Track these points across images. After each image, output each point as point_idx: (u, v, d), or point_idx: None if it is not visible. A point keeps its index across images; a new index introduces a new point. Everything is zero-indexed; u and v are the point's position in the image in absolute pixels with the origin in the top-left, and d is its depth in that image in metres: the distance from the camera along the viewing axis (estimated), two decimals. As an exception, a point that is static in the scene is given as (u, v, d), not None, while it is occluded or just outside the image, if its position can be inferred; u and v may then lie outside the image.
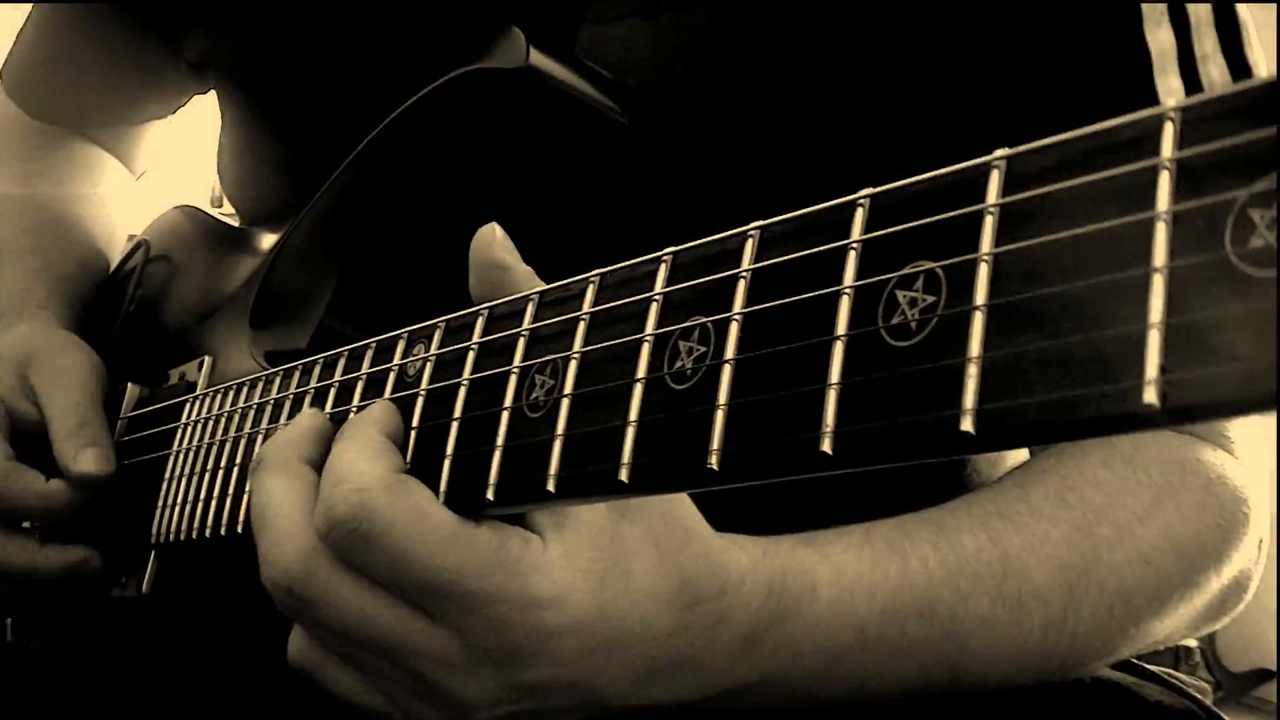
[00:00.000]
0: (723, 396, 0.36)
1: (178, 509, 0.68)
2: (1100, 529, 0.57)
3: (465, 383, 0.48)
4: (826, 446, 0.33)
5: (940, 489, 0.68)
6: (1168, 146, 0.28)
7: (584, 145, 0.61)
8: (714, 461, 0.36)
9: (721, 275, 0.38)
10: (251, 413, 0.64)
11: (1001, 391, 0.30)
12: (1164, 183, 0.28)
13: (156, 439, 0.75)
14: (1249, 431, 0.66)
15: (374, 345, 0.55)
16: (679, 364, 0.39)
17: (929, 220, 0.32)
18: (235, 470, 0.63)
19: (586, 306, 0.43)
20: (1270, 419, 0.68)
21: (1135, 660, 0.67)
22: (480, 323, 0.49)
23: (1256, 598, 0.68)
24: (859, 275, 0.34)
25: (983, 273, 0.31)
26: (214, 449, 0.66)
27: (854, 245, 0.34)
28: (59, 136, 1.01)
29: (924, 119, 0.62)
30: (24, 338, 0.81)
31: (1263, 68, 0.63)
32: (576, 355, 0.43)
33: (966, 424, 0.30)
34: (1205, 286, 0.27)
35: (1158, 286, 0.27)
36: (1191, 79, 0.61)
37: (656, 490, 0.40)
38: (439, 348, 0.51)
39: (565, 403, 0.42)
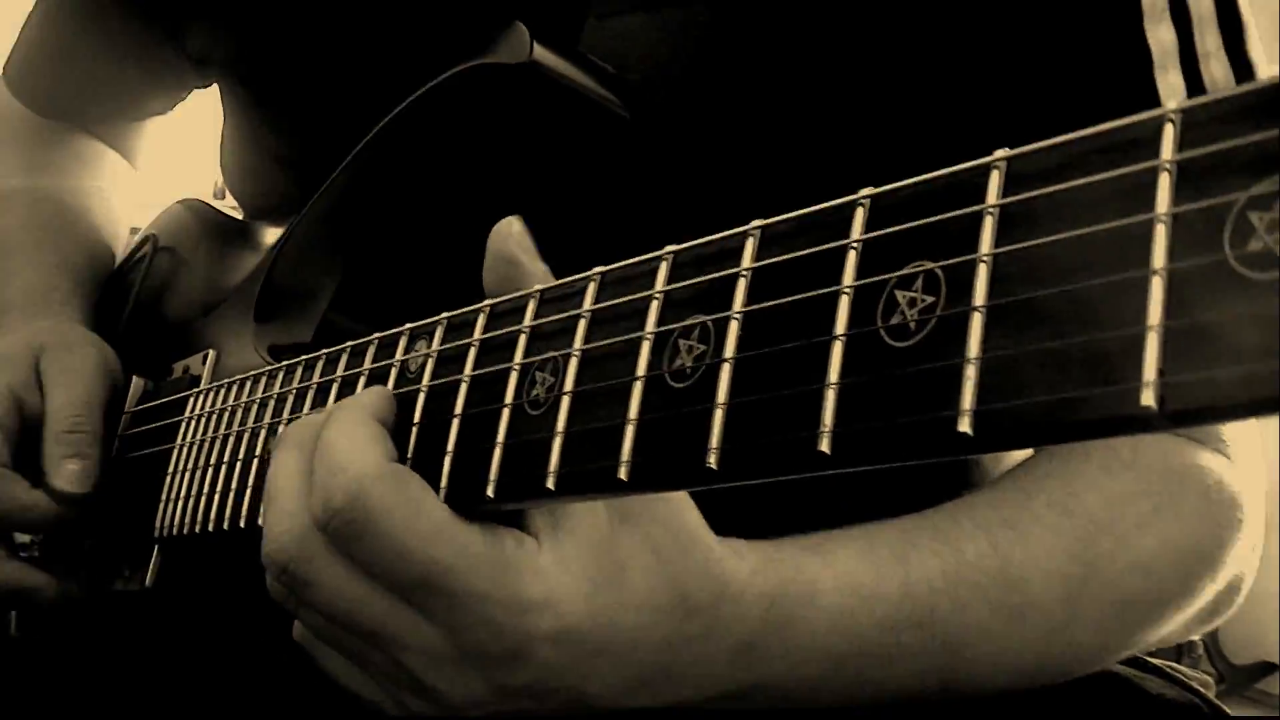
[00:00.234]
0: (722, 395, 0.36)
1: (181, 503, 0.68)
2: (1102, 539, 0.57)
3: (466, 379, 0.48)
4: (824, 446, 0.33)
5: (944, 486, 0.68)
6: (1168, 148, 0.28)
7: (587, 140, 0.61)
8: (712, 460, 0.36)
9: (722, 274, 0.38)
10: (255, 407, 0.64)
11: (1000, 393, 0.30)
12: (1164, 184, 0.27)
13: (160, 433, 0.75)
14: (1244, 434, 0.66)
15: (376, 341, 0.55)
16: (679, 362, 0.39)
17: (929, 220, 0.32)
18: (238, 465, 0.63)
19: (587, 304, 0.43)
20: (1266, 422, 0.68)
21: (1137, 653, 0.67)
22: (481, 319, 0.49)
23: (1259, 590, 0.68)
24: (859, 275, 0.34)
25: (982, 273, 0.30)
26: (217, 443, 0.67)
27: (854, 245, 0.34)
28: (61, 131, 1.01)
29: (925, 115, 0.62)
30: (43, 331, 0.81)
31: (1263, 66, 0.63)
32: (577, 353, 0.43)
33: (964, 425, 0.30)
34: (1204, 289, 0.26)
35: (1157, 288, 0.27)
36: (1193, 76, 0.61)
37: (655, 489, 0.40)
38: (440, 344, 0.51)
39: (565, 400, 0.42)
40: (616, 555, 0.46)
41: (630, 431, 0.39)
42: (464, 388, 0.48)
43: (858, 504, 0.56)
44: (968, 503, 0.58)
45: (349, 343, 0.57)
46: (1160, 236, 0.27)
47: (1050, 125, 0.31)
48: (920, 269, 0.32)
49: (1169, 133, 0.28)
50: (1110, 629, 0.58)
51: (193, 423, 0.71)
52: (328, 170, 0.69)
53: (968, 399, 0.30)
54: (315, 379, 0.59)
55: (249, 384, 0.66)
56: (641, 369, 0.40)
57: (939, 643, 0.54)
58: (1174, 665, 0.69)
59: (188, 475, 0.68)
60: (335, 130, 0.68)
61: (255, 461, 0.62)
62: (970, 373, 0.30)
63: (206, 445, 0.68)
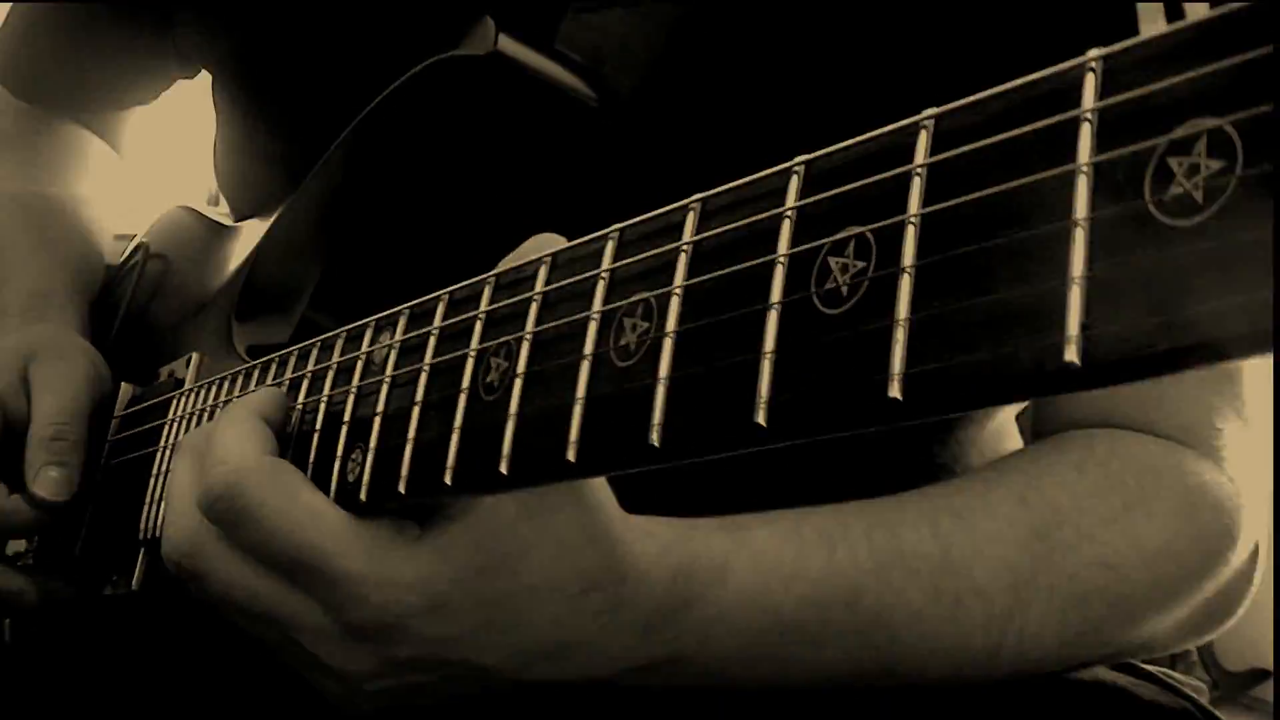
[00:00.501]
0: (663, 371, 0.36)
1: (162, 505, 0.68)
2: (1059, 532, 0.57)
3: (426, 368, 0.48)
4: (761, 419, 0.32)
5: (908, 479, 0.67)
6: (1089, 97, 0.27)
7: (555, 129, 0.61)
8: (655, 438, 0.36)
9: (663, 249, 0.37)
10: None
11: (928, 355, 0.29)
12: (1085, 134, 0.27)
13: (144, 436, 0.75)
14: (1245, 444, 0.65)
15: (345, 334, 0.55)
16: (624, 340, 0.38)
17: (859, 184, 0.32)
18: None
19: (539, 286, 0.43)
20: (1266, 427, 0.67)
21: (1131, 660, 0.66)
22: (441, 308, 0.48)
23: (1254, 598, 0.66)
24: (793, 243, 0.33)
25: (910, 235, 0.30)
26: (197, 444, 0.66)
27: (788, 213, 0.33)
28: (46, 120, 1.01)
29: (901, 111, 0.61)
30: (36, 336, 0.81)
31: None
32: (528, 336, 0.42)
33: (894, 390, 0.29)
34: (1126, 239, 0.26)
35: (1079, 240, 0.26)
36: None
37: (602, 470, 0.40)
38: (403, 334, 0.50)
39: (517, 384, 0.42)
40: (511, 546, 0.47)
41: (578, 412, 0.39)
42: (424, 377, 0.47)
43: (827, 495, 0.56)
44: (919, 492, 0.58)
45: (319, 337, 0.57)
46: (1082, 187, 0.26)
47: None
48: (852, 234, 0.31)
49: (1090, 82, 0.27)
50: (1066, 623, 0.57)
51: (174, 425, 0.71)
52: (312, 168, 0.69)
53: (897, 362, 0.29)
54: (288, 374, 0.59)
55: (226, 384, 0.65)
56: (588, 349, 0.39)
57: (869, 624, 0.54)
58: (1168, 672, 0.68)
59: (168, 477, 0.68)
60: (322, 128, 0.68)
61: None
62: (899, 335, 0.29)
63: (187, 446, 0.68)
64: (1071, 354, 0.26)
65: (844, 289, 0.31)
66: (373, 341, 0.52)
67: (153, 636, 0.76)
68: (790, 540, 0.53)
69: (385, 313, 0.52)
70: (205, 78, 0.90)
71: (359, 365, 0.52)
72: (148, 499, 0.71)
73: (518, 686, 0.51)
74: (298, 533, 0.47)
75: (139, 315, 0.89)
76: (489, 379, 0.44)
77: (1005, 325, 0.27)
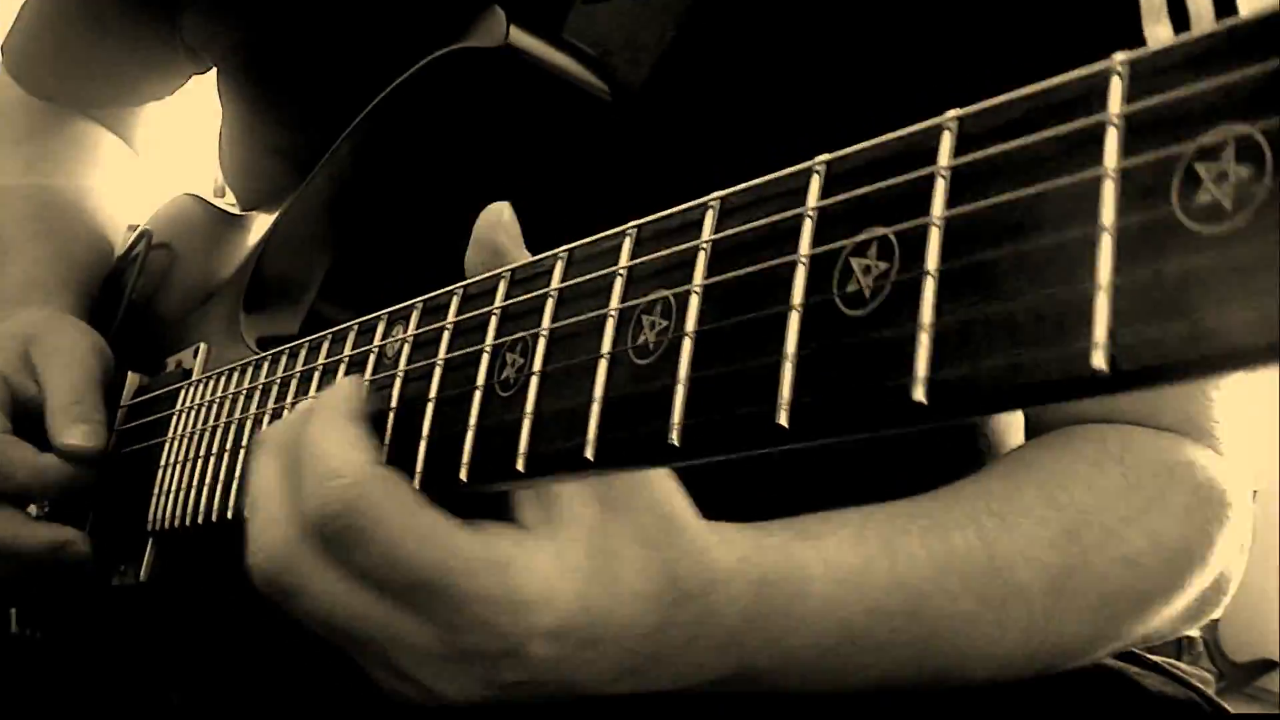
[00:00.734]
0: (683, 371, 0.36)
1: (173, 496, 0.68)
2: (1088, 533, 0.57)
3: (440, 363, 0.48)
4: (783, 420, 0.32)
5: (954, 462, 0.67)
6: (1115, 102, 0.27)
7: (566, 121, 0.60)
8: (674, 437, 0.36)
9: (682, 247, 0.37)
10: (241, 398, 0.64)
11: (953, 359, 0.29)
12: (1111, 139, 0.27)
13: (153, 426, 0.75)
14: (1235, 428, 0.65)
15: (356, 327, 0.55)
16: (642, 338, 0.38)
17: (882, 185, 0.32)
18: (226, 456, 0.63)
19: (555, 282, 0.43)
20: (1268, 416, 0.67)
21: (1137, 650, 0.66)
22: (455, 302, 0.48)
23: (1258, 588, 0.67)
24: (814, 243, 0.33)
25: (934, 237, 0.30)
26: (207, 435, 0.66)
27: (809, 213, 0.33)
28: (60, 115, 1.01)
29: (910, 104, 0.61)
30: (30, 319, 0.82)
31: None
32: (545, 332, 0.42)
33: (918, 393, 0.29)
34: (1154, 245, 0.26)
35: (1106, 245, 0.26)
36: None
37: (621, 467, 0.40)
38: (416, 328, 0.50)
39: (534, 381, 0.42)
40: (607, 545, 0.45)
41: (596, 410, 0.39)
42: (438, 372, 0.47)
43: (868, 484, 0.56)
44: (956, 491, 0.58)
45: (330, 329, 0.57)
46: (1109, 192, 0.26)
47: None
48: (875, 235, 0.31)
49: (1116, 86, 0.27)
50: (1097, 621, 0.57)
51: (183, 416, 0.71)
52: (320, 160, 0.69)
53: (921, 366, 0.29)
54: (299, 367, 0.59)
55: (236, 375, 0.65)
56: (606, 347, 0.39)
57: (929, 631, 0.53)
58: (1174, 662, 0.69)
59: (179, 468, 0.68)
60: (329, 119, 0.68)
61: (241, 453, 0.62)
62: (924, 339, 0.29)
63: (196, 438, 0.68)
64: (1099, 360, 0.26)
65: (867, 290, 0.31)
66: (385, 335, 0.52)
67: (158, 626, 0.76)
68: (857, 549, 0.52)
69: (397, 306, 0.52)
70: (213, 69, 0.90)
71: (371, 359, 0.52)
72: (156, 489, 0.71)
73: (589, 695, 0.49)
74: (420, 553, 0.43)
75: (143, 305, 0.89)
76: (504, 375, 0.44)
77: (1031, 329, 0.27)
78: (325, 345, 0.57)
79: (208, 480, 0.65)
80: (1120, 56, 0.27)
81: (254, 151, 0.87)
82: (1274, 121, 0.24)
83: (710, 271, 0.36)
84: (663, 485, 0.46)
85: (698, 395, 0.35)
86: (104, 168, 1.01)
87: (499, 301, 0.45)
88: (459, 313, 0.48)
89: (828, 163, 0.34)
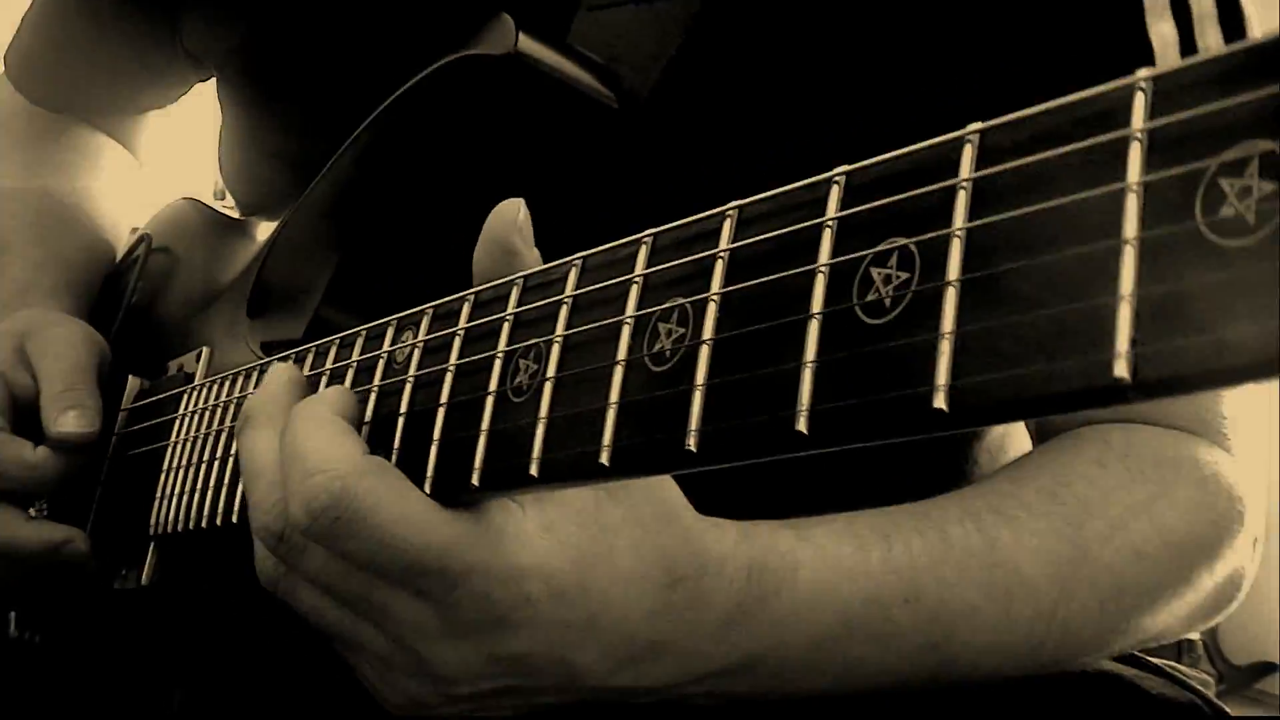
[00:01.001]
0: (700, 377, 0.36)
1: (175, 500, 0.68)
2: (1092, 524, 0.57)
3: (451, 369, 0.48)
4: (802, 426, 0.33)
5: (940, 483, 0.68)
6: (1138, 117, 0.27)
7: (573, 129, 0.61)
8: (692, 443, 0.36)
9: (699, 256, 0.38)
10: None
11: (974, 367, 0.29)
12: (1135, 154, 0.27)
13: (155, 430, 0.75)
14: (1246, 428, 0.66)
15: (364, 332, 0.55)
16: (658, 345, 0.38)
17: (903, 196, 0.32)
18: (230, 460, 0.63)
19: (569, 290, 0.43)
20: (1268, 414, 0.68)
21: (1137, 653, 0.66)
22: (466, 308, 0.48)
23: (1259, 590, 0.67)
24: (834, 253, 0.33)
25: (955, 248, 0.30)
26: (210, 439, 0.66)
27: (829, 223, 0.34)
28: (63, 123, 1.01)
29: (920, 107, 0.62)
30: (24, 316, 0.82)
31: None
32: (559, 339, 0.42)
33: (939, 401, 0.30)
34: (1176, 258, 0.26)
35: (1129, 258, 0.27)
36: None
37: (637, 473, 0.40)
38: (426, 334, 0.50)
39: (548, 387, 0.42)
40: (603, 528, 0.46)
41: (611, 416, 0.39)
42: (449, 377, 0.48)
43: (856, 500, 0.56)
44: (956, 494, 0.58)
45: (337, 335, 0.57)
46: (1132, 206, 0.27)
47: None
48: (895, 245, 0.32)
49: (1140, 101, 0.27)
50: (1105, 614, 0.58)
51: (185, 419, 0.71)
52: (322, 165, 0.69)
53: (942, 374, 0.30)
54: (306, 372, 0.59)
55: (240, 379, 0.66)
56: (622, 353, 0.39)
57: (928, 621, 0.54)
58: (1174, 665, 0.69)
59: (181, 472, 0.68)
60: (331, 125, 0.68)
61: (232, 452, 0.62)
62: (945, 348, 0.30)
63: (199, 442, 0.68)
64: (1121, 369, 0.26)
65: (887, 300, 0.32)
66: (394, 340, 0.52)
67: (159, 631, 0.76)
68: (847, 538, 0.53)
69: (406, 312, 0.52)
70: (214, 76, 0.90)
71: (380, 364, 0.53)
72: (159, 493, 0.71)
73: (599, 694, 0.49)
74: (416, 537, 0.44)
75: (143, 309, 0.89)
76: (517, 381, 0.44)
77: (1053, 339, 0.28)
78: (333, 350, 0.57)
79: (211, 484, 0.65)
80: (1144, 73, 0.27)
81: (254, 156, 0.87)
82: (1297, 138, 0.24)
83: (728, 280, 0.37)
84: (659, 478, 0.48)
85: (715, 401, 0.36)
86: (106, 173, 1.01)
87: (512, 308, 0.46)
88: (471, 319, 0.48)
89: (847, 173, 0.34)
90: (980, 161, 0.31)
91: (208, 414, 0.68)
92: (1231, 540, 0.62)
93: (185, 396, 0.72)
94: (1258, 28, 0.63)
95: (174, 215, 0.93)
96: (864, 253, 0.33)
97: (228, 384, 0.67)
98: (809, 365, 0.33)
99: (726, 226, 0.37)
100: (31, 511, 0.78)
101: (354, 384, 0.54)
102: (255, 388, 0.63)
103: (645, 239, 0.41)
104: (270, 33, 0.79)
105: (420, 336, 0.51)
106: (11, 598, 0.83)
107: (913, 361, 0.30)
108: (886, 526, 0.54)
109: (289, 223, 0.71)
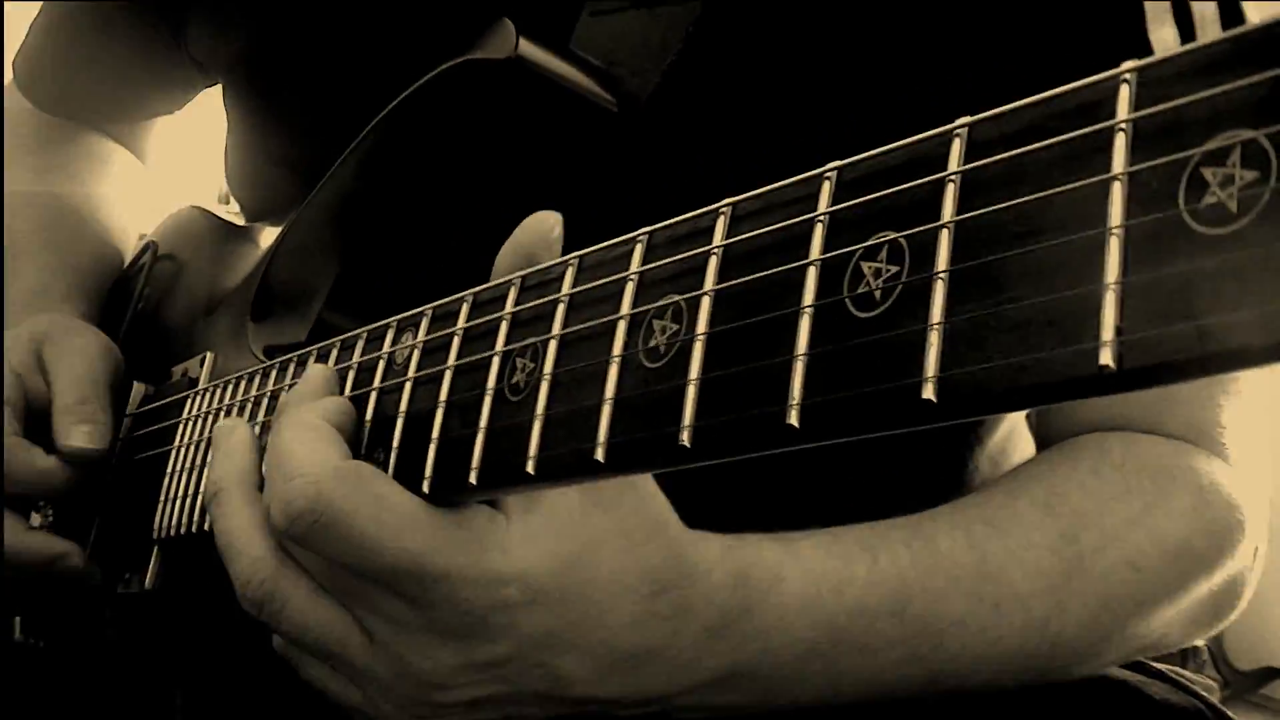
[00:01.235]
0: (694, 373, 0.36)
1: (178, 503, 0.69)
2: (1086, 535, 0.57)
3: (449, 369, 0.48)
4: (793, 419, 0.33)
5: (940, 491, 0.68)
6: (1123, 109, 0.27)
7: (574, 133, 0.61)
8: (685, 438, 0.36)
9: (693, 253, 0.38)
10: (249, 406, 0.64)
11: (962, 358, 0.29)
12: (1120, 144, 0.27)
13: (159, 435, 0.75)
14: (1247, 439, 0.66)
15: (365, 334, 0.55)
16: (653, 342, 0.38)
17: (892, 190, 0.32)
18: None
19: (565, 289, 0.43)
20: (1270, 422, 0.68)
21: (1142, 658, 0.66)
22: (465, 309, 0.49)
23: (1265, 596, 0.67)
24: (825, 248, 0.34)
25: (944, 240, 0.30)
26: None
27: (820, 218, 0.34)
28: (72, 129, 1.02)
29: (919, 111, 0.62)
30: (43, 322, 0.83)
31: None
32: (555, 337, 0.43)
33: (928, 392, 0.30)
34: (1161, 246, 0.26)
35: (1114, 247, 0.27)
36: None
37: (632, 469, 0.40)
38: (426, 334, 0.51)
39: (544, 385, 0.42)
40: (588, 536, 0.46)
41: (606, 413, 0.39)
42: (447, 377, 0.48)
43: (858, 508, 0.56)
44: (949, 505, 0.58)
45: (339, 337, 0.57)
46: (1117, 196, 0.27)
47: None
48: (885, 239, 0.32)
49: (1124, 93, 0.28)
50: (1098, 623, 0.58)
51: (190, 424, 0.71)
52: (326, 171, 0.69)
53: (931, 366, 0.30)
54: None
55: (243, 383, 0.66)
56: (617, 350, 0.40)
57: (917, 632, 0.54)
58: (1178, 670, 0.69)
59: (185, 475, 0.69)
60: (336, 131, 0.69)
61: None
62: (933, 339, 0.30)
63: (202, 445, 0.68)
64: (1107, 358, 0.26)
65: (877, 293, 0.32)
66: (394, 342, 0.53)
67: (163, 634, 0.77)
68: (834, 550, 0.53)
69: (407, 313, 0.53)
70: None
71: (381, 365, 0.53)
72: (163, 497, 0.71)
73: (586, 705, 0.49)
74: (392, 541, 0.44)
75: (149, 315, 0.89)
76: (515, 380, 0.44)
77: (1040, 329, 0.28)
78: (334, 353, 0.57)
79: (214, 487, 0.65)
80: (1129, 64, 0.28)
81: (259, 162, 0.87)
82: (1278, 127, 0.25)
83: (721, 276, 0.37)
84: (647, 489, 0.48)
85: (708, 397, 0.36)
86: (115, 179, 1.02)
87: (509, 308, 0.46)
88: (469, 319, 0.48)
89: (838, 169, 0.34)
90: (969, 155, 0.31)
91: (211, 417, 0.68)
92: (1231, 549, 0.62)
93: (189, 401, 0.73)
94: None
95: (180, 222, 0.93)
96: (854, 247, 0.33)
97: (231, 388, 0.67)
98: (800, 359, 0.33)
99: (720, 223, 0.38)
100: (36, 518, 0.79)
101: (355, 385, 0.54)
102: (259, 389, 0.64)
103: (640, 237, 0.41)
104: (274, 39, 0.80)
105: (420, 337, 0.51)
106: (13, 604, 0.84)
107: (902, 353, 0.31)
108: (873, 539, 0.54)
109: (293, 227, 0.72)
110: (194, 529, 0.66)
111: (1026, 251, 0.29)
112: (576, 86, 0.60)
